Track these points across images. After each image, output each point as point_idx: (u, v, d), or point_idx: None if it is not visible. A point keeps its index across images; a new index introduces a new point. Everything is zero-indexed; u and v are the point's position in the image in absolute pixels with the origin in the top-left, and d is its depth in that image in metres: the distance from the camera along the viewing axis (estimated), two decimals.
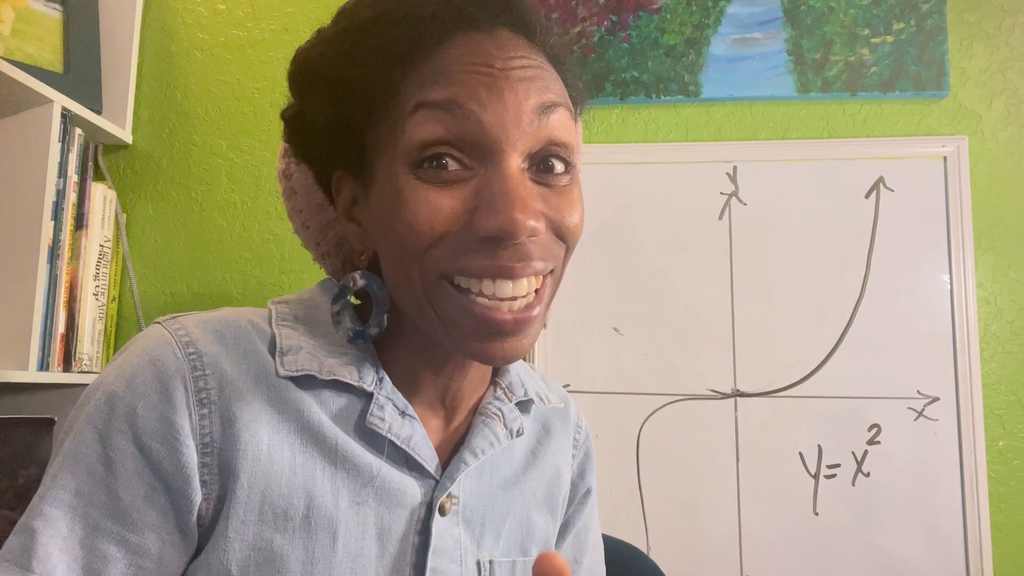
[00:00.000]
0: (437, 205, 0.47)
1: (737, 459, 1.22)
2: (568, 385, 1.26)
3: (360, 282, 0.53)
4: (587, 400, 1.25)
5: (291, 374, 0.51)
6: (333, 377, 0.52)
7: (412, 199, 0.48)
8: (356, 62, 0.50)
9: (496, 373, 0.63)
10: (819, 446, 1.21)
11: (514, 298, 0.49)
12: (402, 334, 0.56)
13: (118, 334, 1.35)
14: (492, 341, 0.49)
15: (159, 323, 0.53)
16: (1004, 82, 1.29)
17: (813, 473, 1.21)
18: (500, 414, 0.59)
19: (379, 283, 0.54)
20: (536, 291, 0.50)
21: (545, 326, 0.59)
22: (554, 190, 0.50)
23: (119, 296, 1.36)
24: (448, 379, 0.57)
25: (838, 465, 1.21)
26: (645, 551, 1.17)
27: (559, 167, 0.50)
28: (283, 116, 0.57)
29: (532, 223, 0.47)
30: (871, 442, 1.20)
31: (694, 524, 1.21)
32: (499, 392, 0.61)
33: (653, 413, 1.24)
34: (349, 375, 0.53)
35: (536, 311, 0.50)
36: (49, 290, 1.16)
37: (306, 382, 0.52)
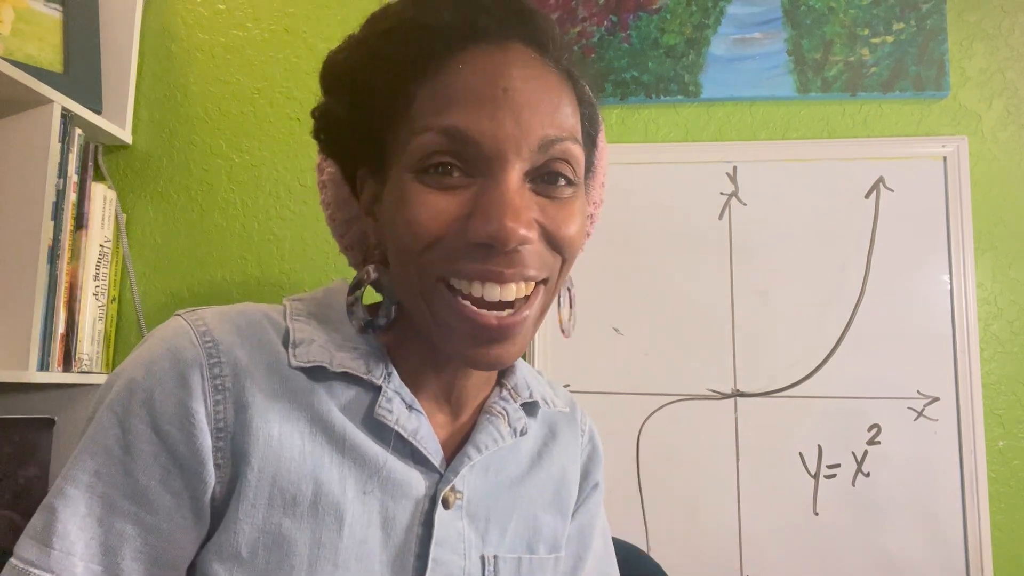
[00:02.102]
0: (436, 208, 0.49)
1: (737, 459, 1.22)
2: (568, 385, 1.26)
3: (373, 275, 0.56)
4: (587, 400, 1.25)
5: (303, 365, 0.53)
6: (343, 369, 0.54)
7: (414, 201, 0.50)
8: (375, 70, 0.53)
9: (502, 375, 0.64)
10: (819, 446, 1.21)
11: (501, 303, 0.50)
12: (410, 333, 0.58)
13: (118, 334, 1.35)
14: (479, 347, 0.51)
15: (179, 315, 0.55)
16: (1004, 82, 1.29)
17: (813, 473, 1.21)
18: (505, 413, 0.61)
19: (389, 277, 0.56)
20: (527, 298, 0.52)
21: (567, 335, 0.61)
22: (554, 201, 0.52)
23: (119, 296, 1.36)
24: (452, 376, 0.59)
25: (838, 465, 1.21)
26: (645, 551, 1.17)
27: (561, 181, 0.52)
28: (313, 114, 0.59)
29: (523, 232, 0.48)
30: (871, 442, 1.20)
31: (694, 524, 1.21)
32: (504, 393, 0.63)
33: (653, 413, 1.24)
34: (359, 368, 0.55)
35: (523, 315, 0.51)
36: (49, 290, 1.16)
37: (317, 373, 0.54)
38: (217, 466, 0.51)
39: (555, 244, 0.52)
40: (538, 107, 0.50)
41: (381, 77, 0.52)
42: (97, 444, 0.50)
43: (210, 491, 0.51)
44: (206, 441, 0.50)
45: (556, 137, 0.50)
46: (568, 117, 0.52)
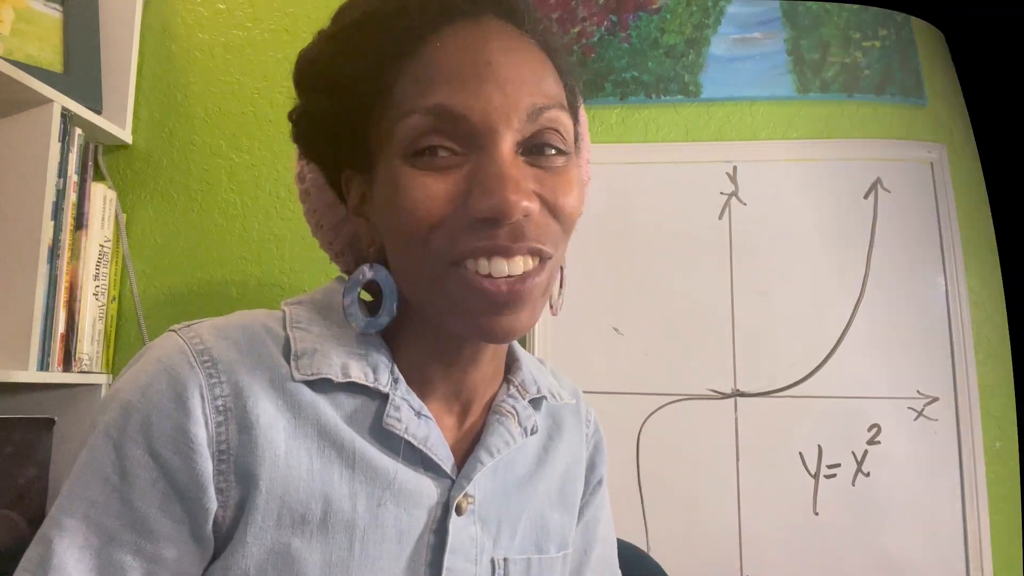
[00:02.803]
0: (433, 190, 0.48)
1: (737, 459, 1.22)
2: None
3: (369, 274, 0.54)
4: (587, 400, 1.25)
5: (306, 378, 0.52)
6: (348, 379, 0.52)
7: (409, 187, 0.49)
8: (351, 61, 0.52)
9: (509, 371, 0.63)
10: (819, 446, 1.21)
11: (509, 276, 0.49)
12: (413, 329, 0.56)
13: (118, 334, 1.35)
14: (489, 315, 0.50)
15: (173, 331, 0.53)
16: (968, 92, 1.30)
17: (813, 473, 1.21)
18: (514, 412, 0.59)
19: (387, 274, 0.54)
20: (533, 268, 0.51)
21: (555, 312, 0.59)
22: (549, 171, 0.51)
23: (119, 296, 1.36)
24: (461, 372, 0.57)
25: (838, 465, 1.21)
26: (645, 551, 1.17)
27: (553, 150, 0.51)
28: (290, 117, 0.58)
29: (525, 203, 0.48)
30: (871, 442, 1.20)
31: (694, 524, 1.21)
32: (512, 390, 0.61)
33: (653, 413, 1.24)
34: (364, 377, 0.53)
35: (530, 283, 0.50)
36: (49, 290, 1.16)
37: (321, 385, 0.52)
38: (219, 491, 0.49)
39: (555, 214, 0.51)
40: (523, 78, 0.50)
41: (358, 67, 0.51)
42: (93, 471, 0.48)
43: (212, 517, 0.49)
44: (207, 466, 0.48)
45: (544, 105, 0.50)
46: (552, 86, 0.52)
